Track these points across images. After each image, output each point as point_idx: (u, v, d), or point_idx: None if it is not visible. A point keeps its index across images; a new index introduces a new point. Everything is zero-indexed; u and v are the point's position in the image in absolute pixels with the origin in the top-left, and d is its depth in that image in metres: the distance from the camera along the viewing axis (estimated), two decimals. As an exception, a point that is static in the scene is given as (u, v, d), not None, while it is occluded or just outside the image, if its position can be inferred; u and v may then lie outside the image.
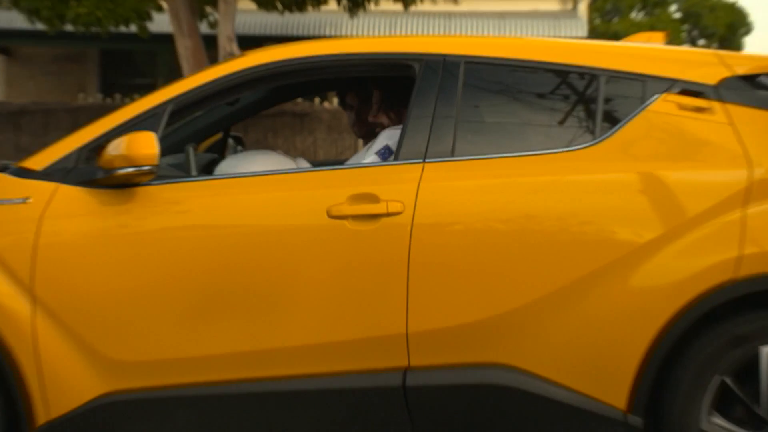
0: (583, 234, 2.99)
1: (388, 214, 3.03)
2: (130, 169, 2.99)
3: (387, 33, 16.81)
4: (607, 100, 3.17)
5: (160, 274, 3.01)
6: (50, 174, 3.12)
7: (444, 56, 3.22)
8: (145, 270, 3.01)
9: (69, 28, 14.15)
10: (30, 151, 14.79)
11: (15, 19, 16.07)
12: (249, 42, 16.64)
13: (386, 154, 3.37)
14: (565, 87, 3.23)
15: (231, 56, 11.96)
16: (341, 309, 3.02)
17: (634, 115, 3.15)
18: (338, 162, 4.76)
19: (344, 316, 3.02)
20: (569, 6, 18.42)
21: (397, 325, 3.01)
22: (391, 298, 3.01)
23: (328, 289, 3.02)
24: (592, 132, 3.13)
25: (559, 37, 16.63)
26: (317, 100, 15.28)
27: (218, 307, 3.02)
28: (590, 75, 3.20)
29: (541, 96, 3.22)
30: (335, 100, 15.42)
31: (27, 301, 3.03)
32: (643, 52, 3.27)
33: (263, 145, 14.24)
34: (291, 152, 14.44)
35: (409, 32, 16.92)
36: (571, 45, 3.33)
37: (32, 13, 12.15)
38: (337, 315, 3.02)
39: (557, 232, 2.99)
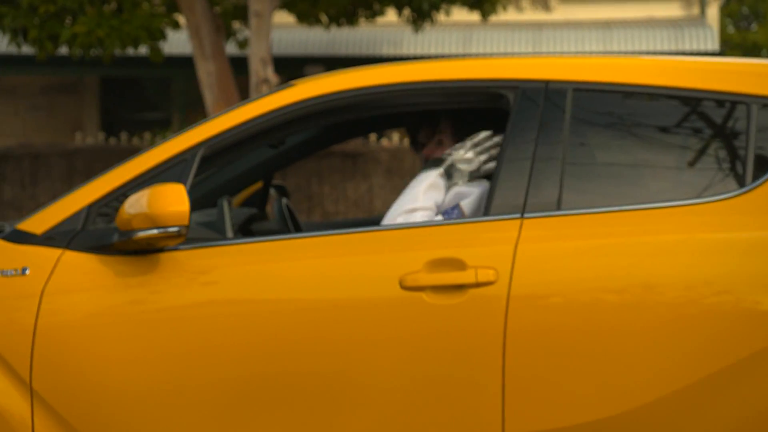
0: (719, 306, 2.97)
1: (478, 285, 3.04)
2: (154, 231, 3.04)
3: (462, 51, 16.96)
4: (760, 136, 3.16)
5: (184, 363, 3.05)
6: (53, 238, 3.19)
7: (546, 82, 3.24)
8: (164, 358, 3.05)
9: (63, 51, 14.55)
10: (15, 206, 15.16)
11: (-4, 42, 16.52)
12: (287, 65, 16.93)
13: (455, 216, 3.33)
14: (701, 119, 3.22)
15: (266, 83, 12.23)
16: (417, 406, 3.02)
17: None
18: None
19: (421, 415, 3.02)
20: (695, 11, 18.40)
21: (491, 427, 3.01)
22: (482, 392, 3.01)
23: (400, 380, 3.03)
24: (739, 177, 3.12)
25: (683, 50, 16.62)
26: (373, 137, 15.41)
27: (259, 406, 3.04)
28: (737, 103, 3.19)
29: (670, 132, 3.22)
30: (395, 137, 15.53)
31: (23, 398, 3.08)
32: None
33: (305, 193, 14.38)
34: (341, 203, 14.54)
35: (488, 49, 17.04)
36: (709, 65, 3.32)
37: (17, 34, 12.47)
38: (412, 414, 3.02)
39: (684, 304, 2.98)
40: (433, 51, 17.23)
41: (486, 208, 3.16)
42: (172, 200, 3.03)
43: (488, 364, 3.01)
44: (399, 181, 14.66)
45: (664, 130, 3.21)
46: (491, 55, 16.74)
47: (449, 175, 3.40)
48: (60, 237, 3.18)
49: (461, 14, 16.61)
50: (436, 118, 3.97)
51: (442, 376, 3.02)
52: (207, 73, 12.51)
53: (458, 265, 3.06)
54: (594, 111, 3.22)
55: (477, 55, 16.28)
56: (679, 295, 2.99)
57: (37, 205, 14.94)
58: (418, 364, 3.02)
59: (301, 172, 14.52)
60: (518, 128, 3.20)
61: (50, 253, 3.16)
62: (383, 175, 14.82)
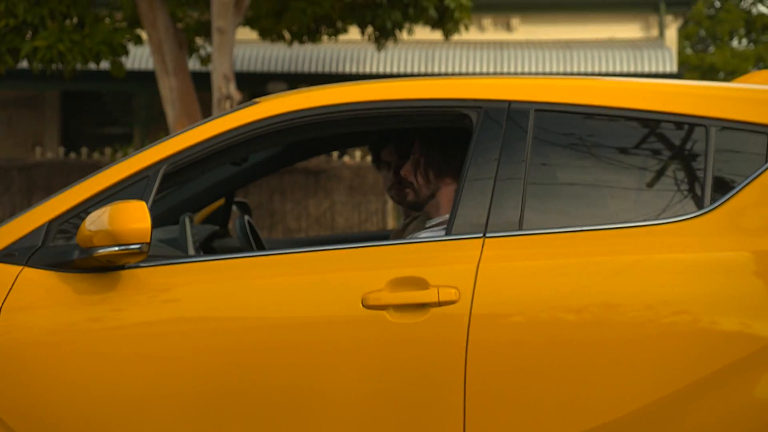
0: (676, 325, 2.99)
1: (440, 304, 3.04)
2: (115, 248, 3.02)
3: (424, 70, 17.01)
4: (718, 158, 3.18)
5: (144, 381, 3.03)
6: (12, 255, 3.15)
7: (509, 102, 3.26)
8: (124, 376, 3.03)
9: (23, 65, 14.45)
10: (-27, 220, 14.97)
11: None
12: (249, 80, 16.91)
13: None
14: (661, 141, 3.25)
15: (228, 99, 12.20)
16: (379, 424, 3.01)
17: (754, 178, 3.15)
18: (370, 236, 4.80)
19: (383, 433, 3.02)
20: (654, 33, 18.57)
21: (451, 447, 3.00)
22: (444, 410, 3.00)
23: (362, 398, 3.02)
24: (697, 199, 3.14)
25: (642, 72, 16.75)
26: (335, 154, 15.41)
27: (219, 423, 3.02)
28: (696, 125, 3.21)
29: (630, 153, 3.23)
30: (358, 154, 15.54)
31: (-19, 418, 3.05)
32: (764, 96, 3.29)
33: (267, 210, 14.35)
34: (303, 219, 14.52)
35: (450, 68, 17.10)
36: (669, 87, 3.35)
37: (-23, 48, 12.36)
38: (374, 431, 3.02)
39: (643, 323, 2.99)
40: (395, 69, 17.28)
41: (448, 227, 3.16)
42: (134, 217, 3.01)
43: (450, 382, 3.00)
44: (361, 198, 14.67)
45: (624, 151, 3.23)
46: (453, 73, 16.79)
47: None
48: (19, 253, 3.15)
49: (424, 33, 16.68)
50: (401, 136, 3.98)
51: (405, 393, 3.01)
52: (169, 89, 12.47)
53: (421, 284, 3.05)
54: (556, 132, 3.24)
55: (439, 74, 16.34)
56: (638, 315, 3.00)
57: (-5, 219, 14.81)
58: (381, 382, 3.01)
59: (263, 188, 14.49)
60: (481, 148, 3.20)
61: (9, 270, 3.13)
62: (345, 192, 14.82)
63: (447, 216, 3.53)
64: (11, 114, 18.99)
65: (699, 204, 3.14)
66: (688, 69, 28.17)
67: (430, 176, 3.72)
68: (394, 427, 3.02)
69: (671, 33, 18.95)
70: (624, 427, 2.98)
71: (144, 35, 14.13)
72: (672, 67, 17.06)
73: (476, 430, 3.01)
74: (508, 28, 18.75)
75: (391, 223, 14.96)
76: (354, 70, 17.25)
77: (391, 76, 16.81)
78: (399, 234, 4.03)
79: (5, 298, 3.10)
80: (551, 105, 3.24)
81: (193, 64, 15.33)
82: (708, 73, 28.16)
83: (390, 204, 14.88)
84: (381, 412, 3.02)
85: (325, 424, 3.02)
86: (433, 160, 3.66)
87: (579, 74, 16.49)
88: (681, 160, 3.21)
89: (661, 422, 2.98)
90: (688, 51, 30.17)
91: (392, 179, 4.02)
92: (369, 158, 15.30)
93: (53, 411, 3.04)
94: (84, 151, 16.02)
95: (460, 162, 3.60)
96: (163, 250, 3.45)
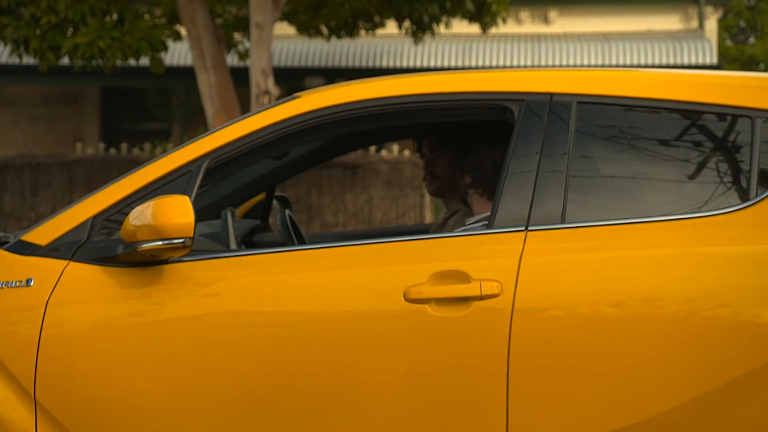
0: (719, 319, 2.97)
1: (482, 297, 3.03)
2: (159, 243, 3.03)
3: (461, 63, 16.97)
4: (764, 150, 3.15)
5: (186, 375, 3.05)
6: (58, 250, 3.18)
7: (551, 95, 3.24)
8: (166, 370, 3.05)
9: (64, 62, 14.57)
10: (15, 216, 15.15)
11: (-2, 53, 16.54)
12: (287, 75, 16.95)
13: None
14: (704, 133, 3.22)
15: (267, 94, 12.24)
16: (421, 419, 3.01)
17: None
18: (411, 230, 4.79)
19: (425, 427, 3.01)
20: (693, 24, 18.44)
21: (494, 441, 3.00)
22: (485, 407, 3.00)
23: (404, 393, 3.02)
24: (741, 191, 3.12)
25: (681, 63, 16.62)
26: (373, 148, 15.41)
27: (262, 418, 3.03)
28: (740, 117, 3.19)
29: (673, 145, 3.21)
30: (395, 148, 15.54)
31: (27, 410, 3.08)
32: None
33: (305, 204, 14.38)
34: (340, 214, 14.55)
35: (488, 62, 17.06)
36: (712, 78, 3.32)
37: (19, 44, 12.48)
38: (416, 427, 3.01)
39: (684, 317, 2.98)
40: (432, 63, 17.25)
41: (490, 220, 3.15)
42: (177, 212, 3.02)
43: (492, 377, 3.00)
44: (398, 192, 14.67)
45: (666, 143, 3.21)
46: (491, 67, 16.75)
47: None
48: (64, 248, 3.18)
49: (461, 26, 16.65)
50: (436, 129, 3.98)
51: (446, 388, 3.01)
52: (208, 85, 12.52)
53: (463, 277, 3.05)
54: (598, 124, 3.22)
55: (477, 68, 16.30)
56: (680, 309, 2.98)
57: (37, 215, 14.95)
58: (422, 376, 3.01)
59: (300, 183, 14.53)
60: (523, 141, 3.19)
61: (55, 265, 3.16)
62: (382, 187, 14.83)
63: (488, 213, 3.52)
64: (52, 110, 19.14)
65: (743, 196, 3.11)
66: (728, 60, 27.94)
67: (470, 170, 3.71)
68: (437, 422, 3.01)
69: (711, 24, 18.80)
70: (667, 423, 2.97)
71: (183, 31, 14.20)
72: (712, 58, 16.93)
73: (519, 424, 3.00)
74: (546, 20, 18.67)
75: (429, 218, 14.95)
76: (391, 64, 17.24)
77: (429, 70, 16.80)
78: (439, 228, 4.03)
79: (51, 292, 3.13)
80: (593, 97, 3.23)
81: (232, 60, 15.39)
82: (748, 64, 27.91)
83: (428, 198, 14.87)
84: (423, 407, 3.01)
85: (367, 419, 3.03)
86: (475, 154, 3.66)
87: (618, 66, 16.39)
88: (724, 152, 3.18)
89: (705, 418, 2.96)
90: (728, 42, 29.91)
91: (425, 170, 4.05)
92: (406, 152, 15.30)
93: (98, 405, 3.06)
94: (124, 147, 16.12)
95: (500, 157, 3.60)
96: (205, 244, 3.47)
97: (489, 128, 3.68)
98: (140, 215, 3.05)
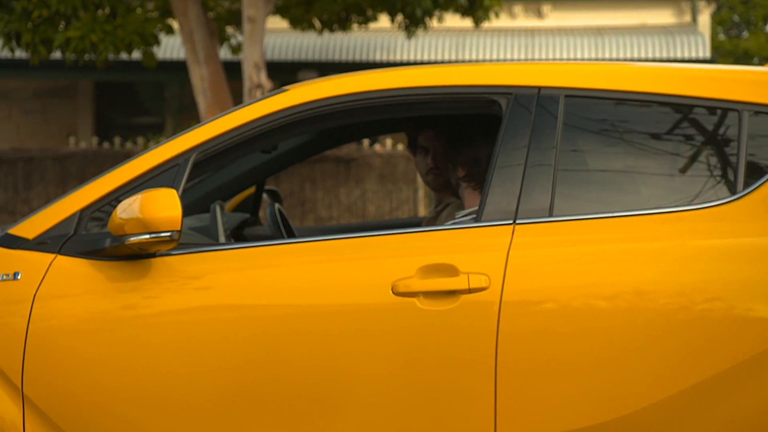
0: (710, 312, 2.97)
1: (470, 290, 3.03)
2: (147, 236, 3.03)
3: (454, 57, 16.97)
4: (752, 143, 3.16)
5: (176, 368, 3.05)
6: (45, 243, 3.18)
7: (539, 89, 3.24)
8: (156, 363, 3.05)
9: (57, 56, 14.54)
10: (8, 210, 15.12)
11: (-10, 47, 16.48)
12: (280, 69, 16.93)
13: None
14: (693, 126, 3.22)
15: (259, 88, 12.23)
16: (409, 412, 3.02)
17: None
18: (401, 223, 4.79)
19: (413, 420, 3.02)
20: (687, 18, 18.44)
21: (482, 433, 3.00)
22: (473, 399, 3.00)
23: (392, 386, 3.02)
24: (730, 184, 3.12)
25: (675, 57, 16.63)
26: (366, 142, 15.42)
27: (251, 411, 3.04)
28: (728, 110, 3.19)
29: (662, 138, 3.22)
30: (389, 142, 15.53)
31: (15, 404, 3.08)
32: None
33: (298, 198, 14.38)
34: (334, 208, 14.54)
35: (480, 56, 17.06)
36: (701, 72, 3.32)
37: (11, 38, 12.46)
38: (404, 420, 3.02)
39: (675, 310, 2.98)
40: (425, 57, 17.25)
41: (478, 214, 3.15)
42: (165, 205, 3.02)
43: (480, 370, 3.00)
44: (392, 186, 14.66)
45: (655, 136, 3.21)
46: (484, 61, 16.75)
47: None
48: (52, 242, 3.18)
49: (454, 20, 16.64)
50: (441, 121, 3.97)
51: (435, 381, 3.01)
52: (200, 78, 12.51)
53: (451, 270, 3.05)
54: (586, 117, 3.22)
55: (469, 61, 16.30)
56: (670, 302, 2.99)
57: (30, 209, 14.93)
58: (411, 369, 3.01)
59: (294, 177, 14.52)
60: (510, 134, 3.19)
61: (42, 258, 3.16)
62: (376, 180, 14.83)
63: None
64: (45, 104, 19.11)
65: (732, 189, 3.12)
66: (721, 54, 27.96)
67: (464, 163, 3.71)
68: (426, 415, 3.02)
69: (704, 18, 18.81)
70: (656, 415, 2.97)
71: (175, 25, 14.17)
72: (705, 52, 16.94)
73: (507, 417, 3.00)
74: (539, 14, 18.67)
75: (422, 211, 14.95)
76: (384, 58, 17.24)
77: (421, 63, 16.79)
78: (431, 221, 4.03)
79: (39, 285, 3.12)
80: (581, 90, 3.23)
81: (224, 54, 15.37)
82: (742, 58, 27.93)
83: (421, 192, 14.87)
84: (411, 400, 3.02)
85: (356, 412, 3.03)
86: (470, 147, 3.66)
87: (611, 60, 16.41)
88: (713, 146, 3.19)
89: (695, 409, 2.96)
90: (722, 36, 29.93)
91: (430, 164, 4.01)
92: (400, 146, 15.30)
93: (87, 398, 3.06)
94: (117, 140, 16.11)
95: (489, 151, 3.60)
96: (194, 237, 3.47)
97: (484, 121, 3.68)
98: (128, 208, 3.05)
